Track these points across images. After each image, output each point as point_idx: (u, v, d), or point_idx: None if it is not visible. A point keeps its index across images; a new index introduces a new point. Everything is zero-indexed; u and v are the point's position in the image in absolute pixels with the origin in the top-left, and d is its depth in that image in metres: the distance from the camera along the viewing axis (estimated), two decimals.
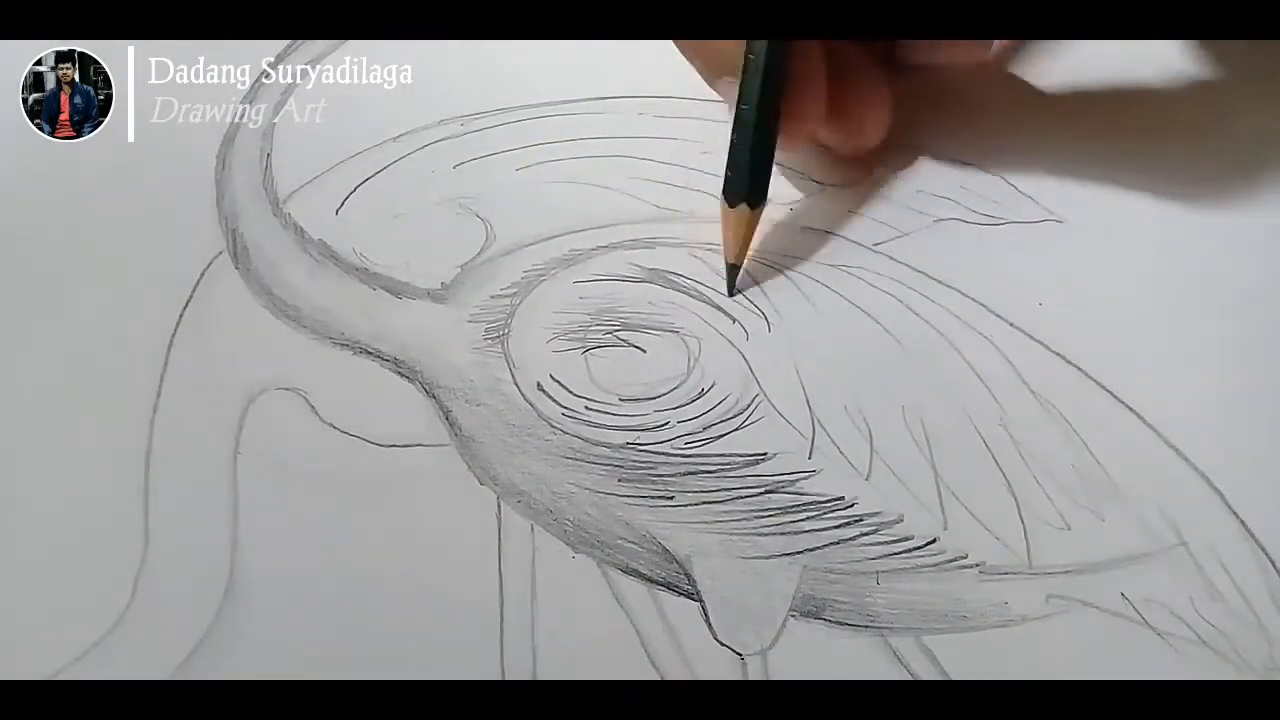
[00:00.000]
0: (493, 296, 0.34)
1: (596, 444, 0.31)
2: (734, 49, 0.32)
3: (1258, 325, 0.32)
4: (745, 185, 0.33)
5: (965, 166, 0.35)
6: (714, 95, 0.35)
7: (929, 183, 0.35)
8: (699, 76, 0.34)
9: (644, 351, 0.32)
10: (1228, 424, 0.31)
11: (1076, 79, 0.36)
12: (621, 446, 0.31)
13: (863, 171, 0.36)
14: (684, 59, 0.34)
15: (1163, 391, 0.31)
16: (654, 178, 0.36)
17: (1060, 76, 0.37)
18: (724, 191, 0.33)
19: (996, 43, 0.36)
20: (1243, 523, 0.29)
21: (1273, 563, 0.29)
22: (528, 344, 0.33)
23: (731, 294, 0.33)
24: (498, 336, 0.33)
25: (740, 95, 0.32)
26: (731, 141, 0.33)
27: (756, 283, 0.34)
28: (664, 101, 0.37)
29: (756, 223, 0.33)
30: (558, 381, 0.32)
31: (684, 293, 0.33)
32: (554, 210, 0.35)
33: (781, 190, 0.35)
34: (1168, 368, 0.32)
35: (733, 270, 0.33)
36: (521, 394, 0.32)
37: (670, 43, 0.34)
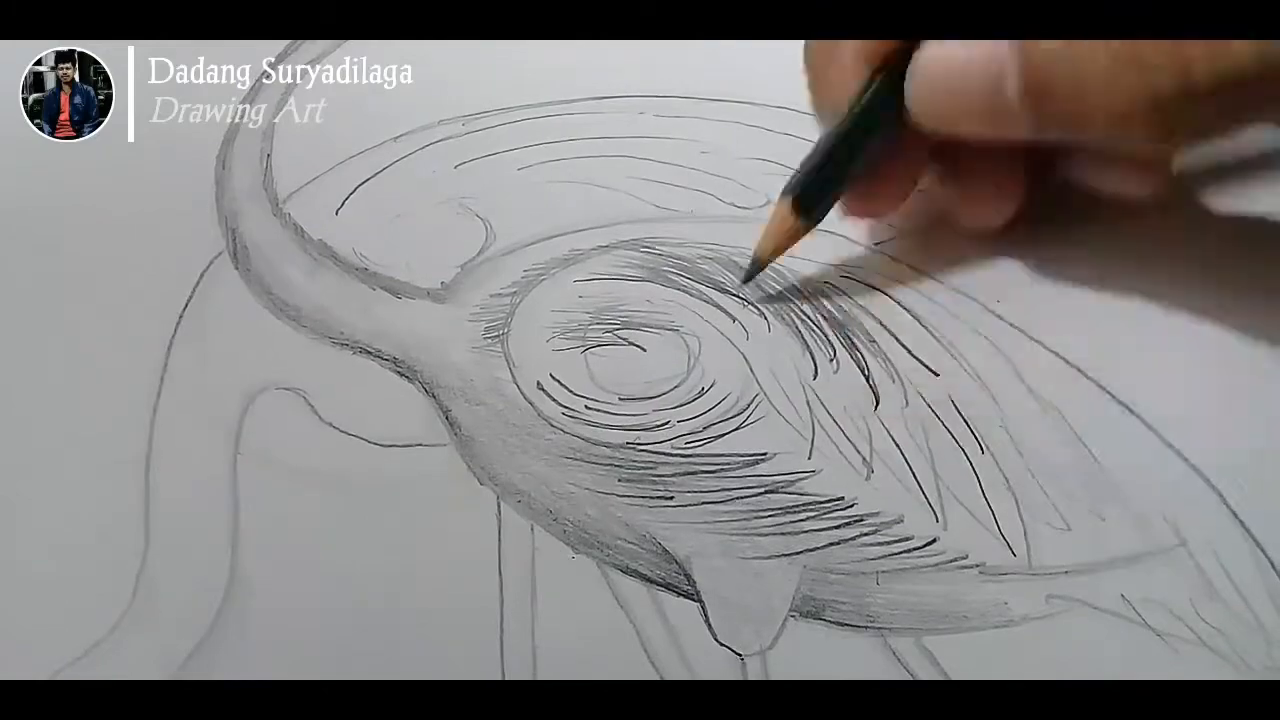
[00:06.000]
0: (492, 295, 0.34)
1: (596, 443, 0.31)
2: (837, 92, 0.32)
3: (1258, 324, 0.32)
4: (814, 198, 0.32)
5: None
6: (714, 96, 0.36)
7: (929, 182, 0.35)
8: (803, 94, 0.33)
9: (644, 350, 0.32)
10: (1227, 424, 0.31)
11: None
12: (621, 446, 0.31)
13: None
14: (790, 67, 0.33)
15: (1163, 391, 0.31)
16: (654, 177, 0.36)
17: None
18: (792, 191, 0.32)
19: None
20: (1242, 523, 0.29)
21: (1272, 563, 0.29)
22: (528, 343, 0.33)
23: (746, 282, 0.33)
24: (498, 335, 0.33)
25: (852, 111, 0.31)
26: (820, 152, 0.32)
27: (759, 281, 0.34)
28: (664, 101, 0.37)
29: (801, 236, 0.33)
30: (558, 380, 0.32)
31: (684, 291, 0.33)
32: (554, 210, 0.35)
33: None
34: (1168, 368, 0.32)
35: (756, 265, 0.33)
36: (521, 393, 0.32)
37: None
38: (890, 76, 0.31)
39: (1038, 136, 0.29)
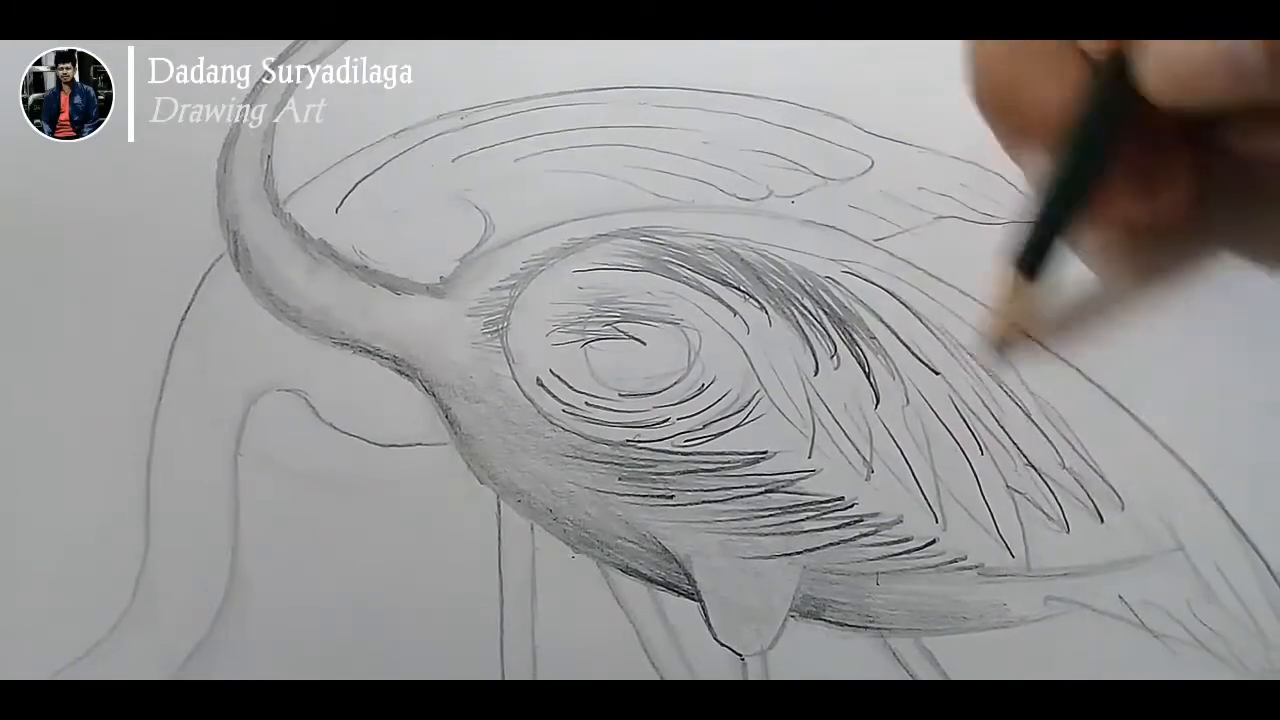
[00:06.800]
0: (492, 289, 0.34)
1: (596, 441, 0.31)
2: (1045, 115, 0.30)
3: (1257, 328, 0.32)
4: (1038, 259, 0.30)
5: (967, 164, 0.35)
6: (713, 87, 0.35)
7: (930, 180, 0.35)
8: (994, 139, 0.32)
9: (644, 344, 0.32)
10: (1225, 428, 0.31)
11: None
12: (621, 444, 0.31)
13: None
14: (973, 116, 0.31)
15: (1161, 395, 0.31)
16: (654, 167, 0.36)
17: None
18: (1017, 263, 0.30)
19: None
20: (1238, 526, 0.29)
21: (1268, 566, 0.29)
22: (527, 337, 0.33)
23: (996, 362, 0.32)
24: (497, 330, 0.33)
25: (1059, 166, 0.30)
26: (1037, 214, 0.30)
27: (759, 276, 0.33)
28: (663, 92, 0.37)
29: (1037, 296, 0.31)
30: (557, 376, 0.32)
31: (685, 283, 0.33)
32: (553, 200, 0.35)
33: (784, 183, 0.35)
34: (1167, 370, 0.31)
35: (1002, 341, 0.32)
36: (521, 390, 0.32)
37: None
38: (1110, 72, 0.29)
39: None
